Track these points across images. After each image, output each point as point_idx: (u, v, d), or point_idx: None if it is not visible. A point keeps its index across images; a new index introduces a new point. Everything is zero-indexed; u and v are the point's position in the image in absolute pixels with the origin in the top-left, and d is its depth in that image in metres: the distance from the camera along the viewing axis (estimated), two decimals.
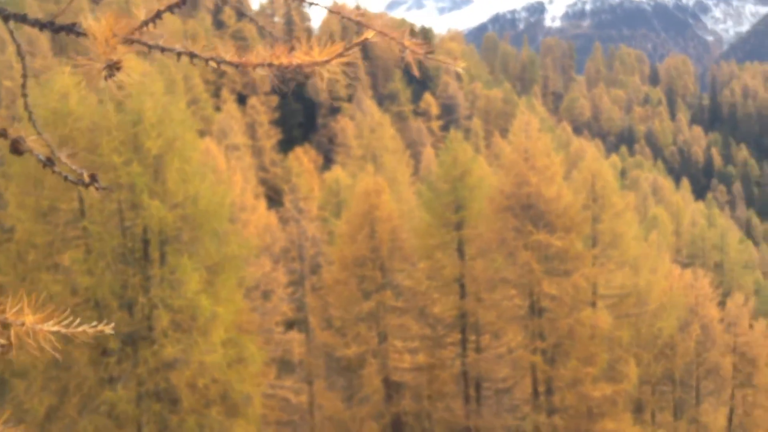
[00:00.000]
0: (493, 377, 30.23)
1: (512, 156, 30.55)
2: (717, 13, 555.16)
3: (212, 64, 1.63)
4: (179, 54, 1.62)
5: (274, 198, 53.28)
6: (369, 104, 75.75)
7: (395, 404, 30.43)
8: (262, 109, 72.61)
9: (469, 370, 30.17)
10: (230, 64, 1.63)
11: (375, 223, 30.47)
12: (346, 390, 31.80)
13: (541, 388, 29.61)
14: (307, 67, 1.64)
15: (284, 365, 31.52)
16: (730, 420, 33.88)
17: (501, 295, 29.10)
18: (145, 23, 1.58)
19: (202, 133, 40.36)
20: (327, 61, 1.67)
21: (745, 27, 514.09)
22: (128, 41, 1.55)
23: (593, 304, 30.04)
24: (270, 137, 71.11)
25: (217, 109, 64.73)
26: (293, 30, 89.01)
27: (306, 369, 32.40)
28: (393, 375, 30.19)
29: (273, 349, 29.70)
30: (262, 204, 37.35)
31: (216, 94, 70.58)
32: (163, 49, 1.61)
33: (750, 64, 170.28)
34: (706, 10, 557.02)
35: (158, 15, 1.59)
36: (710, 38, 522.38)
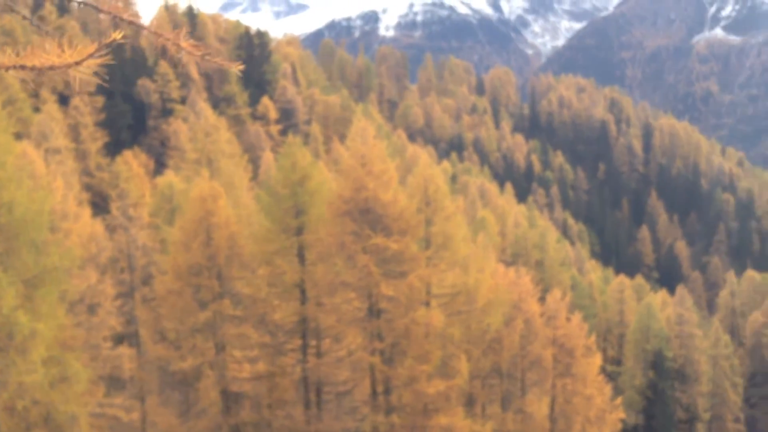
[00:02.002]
0: (334, 381, 30.44)
1: (350, 161, 31.00)
2: (536, 27, 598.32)
3: None
4: None
5: (100, 205, 50.17)
6: (204, 107, 73.55)
7: (234, 415, 29.74)
8: (86, 110, 68.18)
9: (309, 376, 30.16)
10: None
11: (211, 230, 29.62)
12: (182, 404, 30.61)
13: (380, 389, 30.27)
14: (60, 69, 1.55)
15: (114, 382, 29.74)
16: (552, 408, 36.54)
17: (341, 299, 29.40)
18: None
19: (18, 136, 37.13)
20: (79, 62, 1.60)
21: (560, 41, 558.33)
22: None
23: (427, 304, 31.19)
24: (95, 140, 66.93)
25: (36, 110, 59.93)
26: (120, 29, 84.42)
27: (137, 385, 30.77)
28: (232, 386, 29.49)
29: (101, 365, 27.94)
30: (87, 211, 35.03)
31: (35, 94, 65.30)
32: None
33: (565, 77, 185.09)
34: (526, 24, 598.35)
35: None
36: (530, 51, 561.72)
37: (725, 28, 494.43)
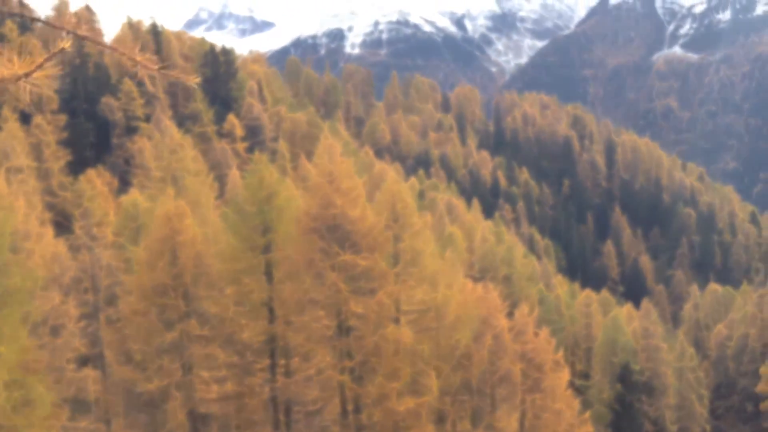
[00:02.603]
0: (303, 400, 30.15)
1: (318, 178, 30.95)
2: (500, 46, 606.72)
3: None
4: None
5: (63, 224, 49.24)
6: (169, 124, 72.87)
7: None
8: (48, 128, 67.07)
9: (278, 396, 29.84)
10: None
11: (177, 249, 29.26)
12: (149, 427, 30.01)
13: (350, 407, 30.05)
14: (9, 80, 1.54)
15: (78, 405, 29.05)
16: (522, 424, 36.63)
17: (310, 317, 29.20)
18: None
19: None
20: (29, 74, 1.59)
21: (524, 59, 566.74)
22: None
23: (396, 321, 31.14)
24: (58, 159, 65.80)
25: None
26: (83, 46, 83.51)
27: (103, 407, 30.12)
28: (199, 407, 29.03)
29: (65, 388, 27.29)
30: (50, 231, 34.37)
31: None
32: None
33: (529, 94, 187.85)
34: (490, 43, 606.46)
35: None
36: (494, 69, 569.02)
37: (684, 46, 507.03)
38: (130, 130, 78.14)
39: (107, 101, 78.28)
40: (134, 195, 47.45)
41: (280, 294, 29.53)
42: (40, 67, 1.45)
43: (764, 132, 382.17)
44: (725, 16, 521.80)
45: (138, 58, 1.58)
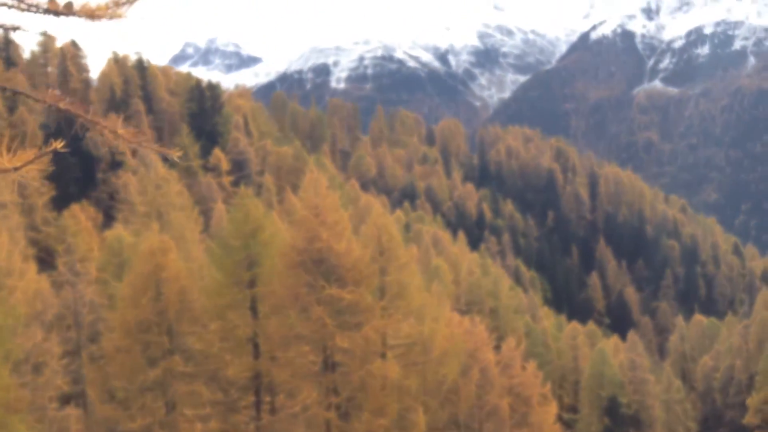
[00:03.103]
0: None
1: (303, 212, 30.96)
2: (483, 80, 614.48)
3: None
4: None
5: (47, 260, 48.78)
6: (154, 159, 72.82)
7: None
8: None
9: None
10: None
11: (161, 284, 29.03)
12: None
13: None
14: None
15: None
16: None
17: (295, 352, 28.94)
18: None
19: None
20: (18, 168, 1.63)
21: (506, 94, 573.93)
22: None
23: (383, 355, 30.93)
24: (42, 194, 65.39)
25: None
26: (68, 81, 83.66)
27: None
28: None
29: (47, 427, 26.77)
30: (32, 267, 34.02)
31: None
32: None
33: (512, 127, 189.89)
34: (473, 77, 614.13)
35: None
36: (478, 103, 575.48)
37: (663, 80, 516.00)
38: (115, 165, 77.99)
39: (92, 136, 78.17)
40: (118, 230, 47.20)
41: (265, 329, 29.29)
42: (30, 162, 1.50)
43: (745, 164, 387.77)
44: (704, 50, 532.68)
45: (120, 131, 1.63)
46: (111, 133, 1.60)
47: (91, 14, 2.31)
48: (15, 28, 2.23)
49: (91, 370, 30.33)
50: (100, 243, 49.93)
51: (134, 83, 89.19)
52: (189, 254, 39.64)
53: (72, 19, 2.63)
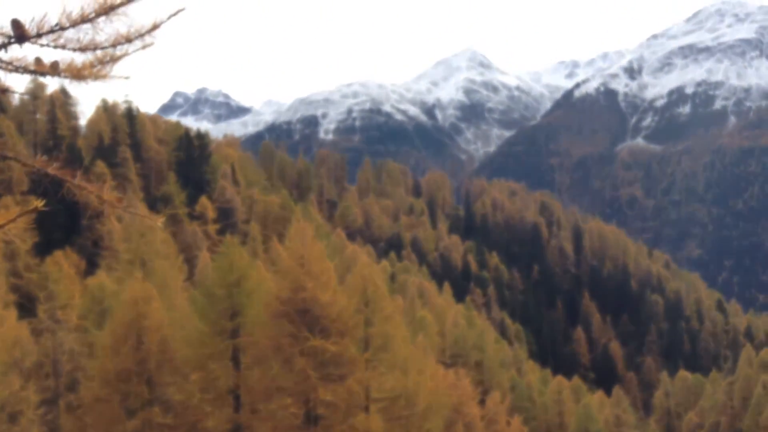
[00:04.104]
0: None
1: (289, 261, 30.86)
2: (469, 134, 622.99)
3: None
4: None
5: (27, 306, 48.12)
6: (140, 206, 72.66)
7: None
8: (16, 209, 66.39)
9: None
10: None
11: (142, 333, 28.68)
12: None
13: None
14: None
15: None
16: None
17: (277, 405, 28.48)
18: None
19: None
20: (2, 226, 1.72)
21: (492, 148, 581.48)
22: None
23: (366, 409, 30.49)
24: (25, 240, 64.87)
25: None
26: (57, 128, 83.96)
27: None
28: None
29: None
30: (13, 314, 33.54)
31: None
32: None
33: (497, 181, 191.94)
34: (459, 131, 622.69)
35: None
36: (464, 156, 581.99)
37: (646, 138, 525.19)
38: (101, 212, 77.66)
39: (78, 200, 78.03)
40: (101, 278, 46.77)
41: (247, 381, 28.87)
42: (13, 221, 1.60)
43: (727, 221, 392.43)
44: (685, 109, 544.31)
45: (105, 197, 1.73)
46: (97, 198, 1.70)
47: (78, 74, 2.42)
48: (5, 90, 2.34)
49: (69, 421, 29.66)
50: (83, 290, 49.40)
51: (123, 131, 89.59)
52: (172, 303, 39.25)
53: (57, 80, 2.76)
